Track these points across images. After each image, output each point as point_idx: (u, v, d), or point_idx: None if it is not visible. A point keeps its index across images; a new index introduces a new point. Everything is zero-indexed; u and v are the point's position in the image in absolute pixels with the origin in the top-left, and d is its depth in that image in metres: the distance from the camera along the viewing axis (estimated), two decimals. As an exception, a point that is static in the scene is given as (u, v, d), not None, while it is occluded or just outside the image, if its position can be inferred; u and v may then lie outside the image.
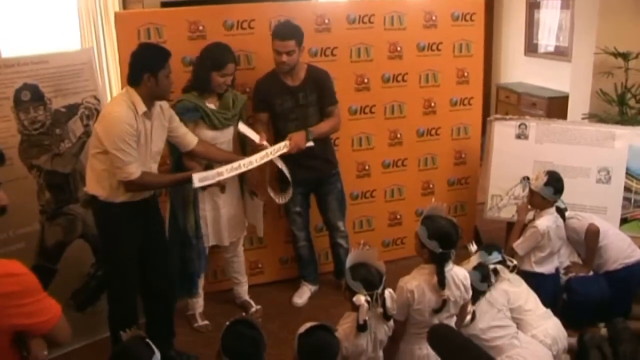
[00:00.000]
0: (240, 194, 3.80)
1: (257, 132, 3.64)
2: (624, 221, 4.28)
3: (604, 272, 3.71)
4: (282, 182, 3.82)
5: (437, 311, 2.78)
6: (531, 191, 3.70)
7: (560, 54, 6.63)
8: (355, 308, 2.57)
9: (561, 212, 3.71)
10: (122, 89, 3.19)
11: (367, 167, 4.47)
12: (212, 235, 3.71)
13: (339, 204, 4.08)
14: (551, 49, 6.88)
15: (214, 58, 3.46)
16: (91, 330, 3.61)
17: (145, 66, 2.98)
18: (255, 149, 3.55)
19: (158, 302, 3.40)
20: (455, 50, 4.52)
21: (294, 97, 3.74)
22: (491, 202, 4.54)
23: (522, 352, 2.92)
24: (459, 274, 2.86)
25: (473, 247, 3.27)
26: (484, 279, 3.00)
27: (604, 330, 3.42)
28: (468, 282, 2.88)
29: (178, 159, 3.50)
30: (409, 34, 4.36)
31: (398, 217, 4.66)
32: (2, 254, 3.27)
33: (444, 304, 2.76)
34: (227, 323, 2.40)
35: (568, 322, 3.39)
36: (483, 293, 3.00)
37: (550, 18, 6.85)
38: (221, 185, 3.45)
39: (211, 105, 3.53)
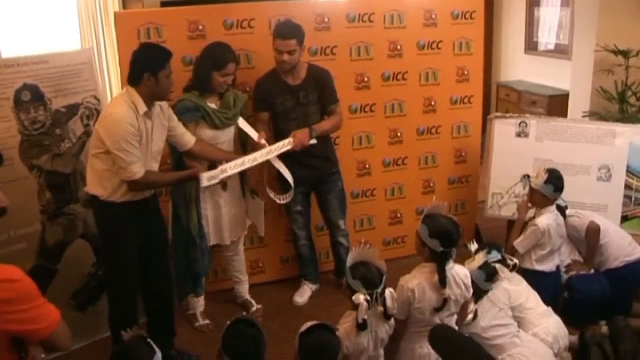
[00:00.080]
0: (242, 193, 3.80)
1: (257, 131, 3.64)
2: (624, 219, 4.28)
3: (604, 270, 3.71)
4: (282, 183, 3.82)
5: (437, 310, 2.78)
6: (531, 189, 3.70)
7: (561, 51, 6.62)
8: (355, 307, 2.57)
9: (561, 210, 3.71)
10: (122, 88, 3.19)
11: (367, 166, 4.47)
12: (213, 234, 3.71)
13: (339, 202, 4.08)
14: (551, 46, 6.87)
15: (215, 58, 3.46)
16: (92, 330, 3.61)
17: (145, 66, 2.98)
18: (254, 146, 3.56)
19: (158, 302, 3.40)
20: (455, 49, 4.52)
21: (295, 96, 3.74)
22: (492, 200, 4.54)
23: (523, 350, 2.92)
24: (460, 272, 2.86)
25: (473, 246, 3.27)
26: (488, 278, 3.00)
27: (604, 328, 3.42)
28: (468, 281, 2.88)
29: (179, 158, 3.51)
30: (408, 33, 4.35)
31: (398, 215, 4.66)
32: (3, 254, 3.28)
33: (444, 302, 2.76)
34: (228, 322, 2.40)
35: (569, 320, 3.39)
36: (485, 292, 3.00)
37: (550, 16, 6.84)
38: (223, 183, 3.46)
39: (212, 104, 3.53)
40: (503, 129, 4.50)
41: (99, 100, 3.61)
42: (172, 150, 3.50)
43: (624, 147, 4.28)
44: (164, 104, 3.20)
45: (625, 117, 5.03)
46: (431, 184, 4.69)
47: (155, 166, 3.19)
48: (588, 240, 3.73)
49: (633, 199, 4.30)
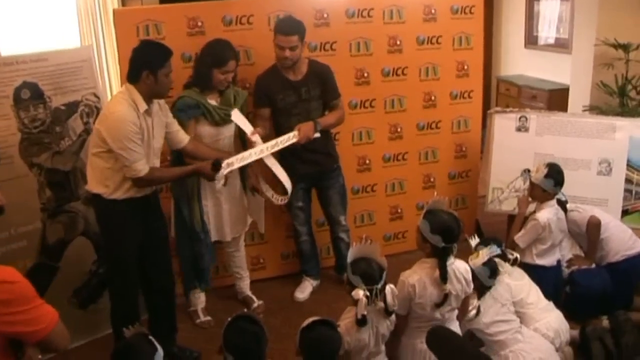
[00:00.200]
0: (243, 190, 3.80)
1: (256, 127, 3.63)
2: (625, 213, 4.28)
3: (605, 264, 3.71)
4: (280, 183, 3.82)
5: (438, 305, 2.78)
6: (532, 184, 3.69)
7: (561, 46, 6.62)
8: (356, 303, 2.57)
9: (562, 204, 3.71)
10: (121, 86, 3.18)
11: (367, 162, 4.47)
12: (214, 230, 3.71)
13: (340, 198, 4.08)
14: (551, 41, 6.87)
15: (215, 55, 3.45)
16: (93, 327, 3.62)
17: (144, 64, 2.98)
18: (249, 141, 3.55)
19: (159, 298, 3.40)
20: (455, 44, 4.51)
21: (296, 92, 3.74)
22: (492, 195, 4.54)
23: (525, 346, 2.92)
24: (460, 267, 2.86)
25: (473, 241, 3.26)
26: (492, 274, 2.99)
27: (605, 322, 3.42)
28: (469, 276, 2.88)
29: (178, 154, 3.51)
30: (408, 28, 4.35)
31: (399, 211, 4.66)
32: (4, 252, 3.29)
33: (445, 298, 2.76)
34: (229, 319, 2.41)
35: (571, 315, 3.40)
36: (488, 288, 2.99)
37: (550, 10, 6.84)
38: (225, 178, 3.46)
39: (212, 101, 3.52)
40: (503, 123, 4.50)
41: (99, 98, 3.61)
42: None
43: (624, 141, 4.28)
44: (162, 100, 3.20)
45: (625, 111, 5.03)
46: (431, 179, 4.69)
47: (156, 162, 3.20)
48: (589, 234, 3.73)
49: (634, 192, 4.30)
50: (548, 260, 3.62)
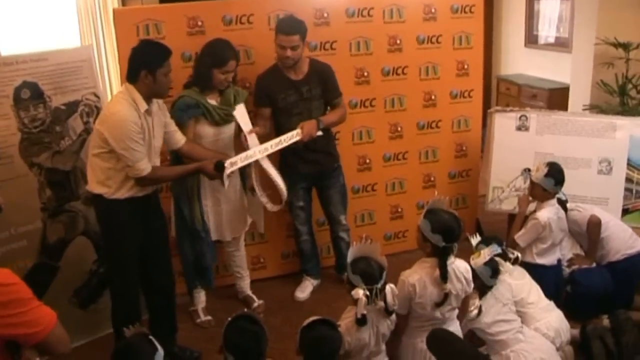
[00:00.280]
0: (242, 190, 3.79)
1: (256, 126, 3.63)
2: (625, 212, 4.28)
3: (606, 264, 3.71)
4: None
5: (439, 304, 2.78)
6: (532, 183, 3.69)
7: (561, 45, 6.61)
8: (355, 302, 2.58)
9: (562, 203, 3.71)
10: (121, 85, 3.18)
11: (367, 161, 4.47)
12: (214, 230, 3.71)
13: (341, 197, 4.08)
14: (551, 40, 6.87)
15: (215, 55, 3.45)
16: (93, 327, 3.62)
17: (143, 63, 2.98)
18: (243, 138, 3.54)
19: (160, 298, 3.40)
20: (455, 43, 4.51)
21: (298, 91, 3.74)
22: (492, 194, 4.54)
23: (526, 346, 2.91)
24: (460, 267, 2.86)
25: (474, 240, 3.26)
26: (493, 274, 2.99)
27: (606, 322, 3.41)
28: (469, 275, 2.88)
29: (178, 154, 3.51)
30: (408, 27, 4.35)
31: (399, 210, 4.66)
32: (4, 252, 3.29)
33: (445, 297, 2.76)
34: (229, 319, 2.41)
35: (571, 314, 3.39)
36: (490, 288, 2.98)
37: (550, 9, 6.83)
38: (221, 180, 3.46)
39: (212, 101, 3.52)
40: (503, 122, 4.50)
41: (99, 98, 3.61)
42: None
43: (625, 140, 4.28)
44: (160, 100, 3.20)
45: (625, 110, 5.03)
46: (432, 179, 4.69)
47: (157, 161, 3.20)
48: (589, 233, 3.73)
49: (634, 192, 4.30)
50: (548, 260, 3.62)
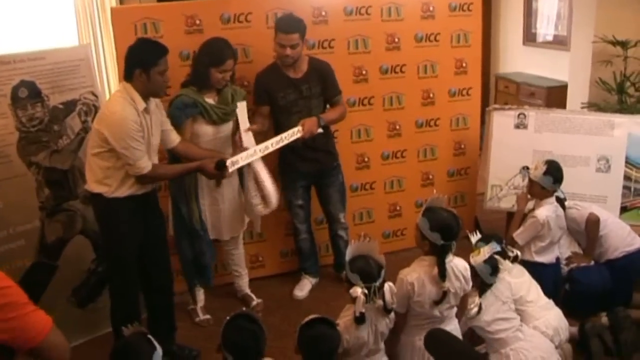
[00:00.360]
0: (240, 189, 3.79)
1: (254, 124, 3.63)
2: (623, 210, 4.28)
3: (604, 261, 3.71)
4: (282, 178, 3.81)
5: (437, 303, 2.78)
6: (530, 181, 3.69)
7: (559, 43, 6.61)
8: (354, 300, 2.58)
9: (561, 201, 3.71)
10: (119, 84, 3.18)
11: (366, 159, 4.47)
12: (212, 229, 3.71)
13: (340, 196, 4.08)
14: (550, 38, 6.87)
15: (213, 54, 3.44)
16: (92, 326, 3.61)
17: (137, 62, 2.98)
18: (238, 136, 3.54)
19: (159, 296, 3.40)
20: (453, 41, 4.51)
21: (297, 90, 3.73)
22: (491, 192, 4.54)
23: (525, 344, 2.91)
24: (459, 265, 2.86)
25: (474, 237, 3.25)
26: (493, 272, 2.99)
27: (604, 319, 3.42)
28: (468, 274, 2.88)
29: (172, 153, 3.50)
30: (406, 25, 4.34)
31: (398, 208, 4.66)
32: (3, 251, 3.29)
33: (444, 295, 2.77)
34: (228, 317, 2.41)
35: (570, 312, 3.39)
36: (489, 286, 2.98)
37: (548, 7, 6.83)
38: (216, 180, 3.46)
39: (210, 100, 3.52)
40: (502, 120, 4.50)
41: (97, 96, 3.60)
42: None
43: (623, 138, 4.28)
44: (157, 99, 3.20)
45: (624, 107, 5.03)
46: (430, 177, 4.69)
47: (155, 159, 3.20)
48: (588, 231, 3.73)
49: (632, 189, 4.30)
50: (547, 258, 3.62)
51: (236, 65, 3.57)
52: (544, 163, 3.62)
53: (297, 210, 4.03)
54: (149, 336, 2.27)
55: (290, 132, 3.59)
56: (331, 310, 2.93)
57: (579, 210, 3.75)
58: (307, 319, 2.53)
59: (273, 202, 3.60)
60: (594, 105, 5.14)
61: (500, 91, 7.19)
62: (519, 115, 4.46)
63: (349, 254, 2.70)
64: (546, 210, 3.57)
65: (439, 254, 2.78)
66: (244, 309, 2.63)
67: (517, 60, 7.36)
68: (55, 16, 6.36)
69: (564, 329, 3.21)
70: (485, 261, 2.97)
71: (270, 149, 3.53)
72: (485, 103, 5.47)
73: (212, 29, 3.78)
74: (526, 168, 4.27)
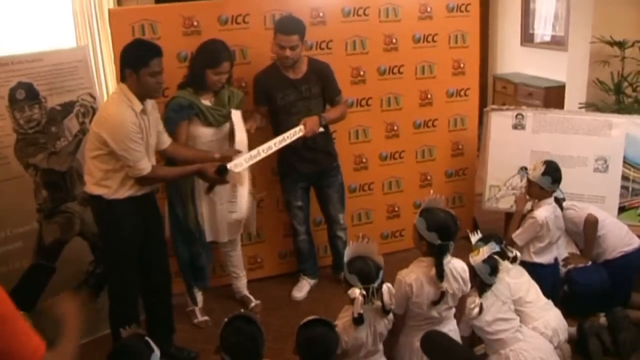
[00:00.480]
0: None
1: (254, 122, 3.64)
2: (621, 210, 4.27)
3: (603, 262, 3.71)
4: (284, 177, 3.81)
5: (435, 303, 2.78)
6: (529, 181, 3.69)
7: (557, 43, 6.62)
8: (352, 301, 2.58)
9: (559, 202, 3.71)
10: (117, 85, 3.18)
11: (364, 160, 4.47)
12: (209, 231, 3.71)
13: (339, 196, 4.09)
14: (547, 38, 6.88)
15: (209, 55, 3.44)
16: (91, 327, 3.59)
17: (127, 62, 2.98)
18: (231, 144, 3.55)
19: (157, 298, 3.40)
20: (450, 42, 4.51)
21: (297, 90, 3.74)
22: (489, 192, 4.53)
23: (525, 345, 2.90)
24: (457, 266, 2.86)
25: (474, 237, 3.25)
26: (492, 272, 2.99)
27: (603, 319, 3.42)
28: (466, 275, 2.88)
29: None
30: (404, 26, 4.35)
31: (396, 209, 4.66)
32: (0, 253, 3.28)
33: (442, 296, 2.77)
34: (226, 319, 2.41)
35: (569, 313, 3.39)
36: (489, 286, 2.98)
37: (546, 7, 6.84)
38: (208, 186, 3.45)
39: (206, 101, 3.51)
40: (500, 121, 4.49)
41: (95, 98, 3.60)
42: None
43: (621, 138, 4.27)
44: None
45: (621, 108, 5.03)
46: (428, 178, 4.69)
47: (153, 160, 3.20)
48: (586, 232, 3.72)
49: (630, 189, 4.29)
50: (546, 258, 3.62)
51: (233, 67, 3.56)
52: (542, 163, 3.63)
53: (296, 212, 4.03)
54: (147, 338, 2.27)
55: (292, 131, 3.59)
56: (330, 312, 2.93)
57: (576, 211, 3.75)
58: (305, 320, 2.53)
59: (243, 210, 3.53)
60: (591, 106, 5.14)
61: (498, 92, 7.20)
62: (516, 115, 4.46)
63: (347, 255, 2.70)
64: (545, 211, 3.57)
65: (437, 254, 2.78)
66: (242, 310, 2.63)
67: (515, 60, 7.37)
68: (53, 18, 6.36)
69: (563, 330, 3.20)
70: (484, 261, 2.97)
71: (274, 149, 3.53)
72: (483, 104, 5.47)
73: (210, 31, 3.78)
74: (524, 168, 4.27)
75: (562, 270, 3.76)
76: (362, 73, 4.30)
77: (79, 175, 3.44)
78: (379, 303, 2.64)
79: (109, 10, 4.17)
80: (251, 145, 3.51)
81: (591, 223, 3.70)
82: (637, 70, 5.15)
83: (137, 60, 2.96)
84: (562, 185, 3.69)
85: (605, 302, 3.54)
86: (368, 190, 4.54)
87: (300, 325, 2.52)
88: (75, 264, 3.58)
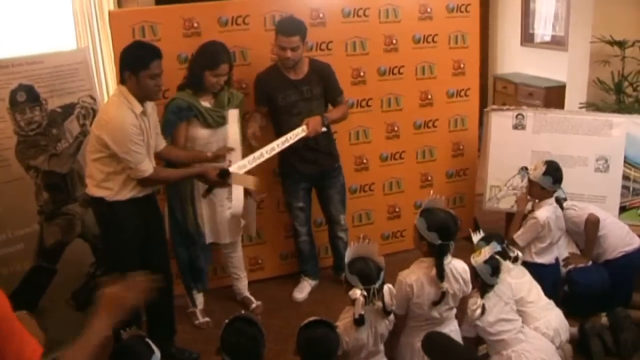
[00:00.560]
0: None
1: (255, 122, 3.65)
2: (622, 209, 4.27)
3: (603, 262, 3.71)
4: (286, 177, 3.82)
5: (435, 303, 2.78)
6: (530, 181, 3.69)
7: (557, 43, 6.62)
8: (353, 302, 2.58)
9: (559, 202, 3.71)
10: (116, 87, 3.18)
11: (365, 161, 4.47)
12: (209, 233, 3.71)
13: (341, 197, 4.09)
14: (547, 38, 6.87)
15: (208, 57, 3.44)
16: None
17: (127, 64, 2.99)
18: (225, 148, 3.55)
19: (158, 299, 3.39)
20: (450, 42, 4.51)
21: (298, 91, 3.74)
22: (490, 193, 4.53)
23: (527, 346, 2.89)
24: (458, 267, 2.86)
25: (476, 237, 3.25)
26: (494, 272, 2.99)
27: (604, 320, 3.42)
28: (467, 276, 2.88)
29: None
30: (404, 27, 4.35)
31: (397, 210, 4.65)
32: (1, 255, 3.28)
33: (442, 296, 2.77)
34: (227, 320, 2.41)
35: (570, 313, 3.38)
36: (491, 286, 2.98)
37: (546, 7, 6.84)
38: (206, 188, 3.45)
39: (206, 103, 3.51)
40: (500, 121, 4.49)
41: (95, 100, 3.61)
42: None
43: (621, 138, 4.27)
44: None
45: (622, 107, 5.03)
46: (429, 178, 4.69)
47: (153, 162, 3.20)
48: (587, 232, 3.72)
49: (631, 189, 4.29)
50: (547, 259, 3.61)
51: (232, 70, 3.56)
52: (543, 163, 3.62)
53: (297, 213, 4.03)
54: (147, 340, 2.27)
55: (295, 132, 3.59)
56: (331, 313, 2.93)
57: (576, 211, 3.75)
58: (306, 321, 2.53)
59: (238, 205, 3.53)
60: (592, 106, 5.14)
61: (498, 92, 7.20)
62: (517, 115, 4.46)
63: (348, 256, 2.70)
64: (546, 211, 3.57)
65: (437, 254, 2.79)
66: (243, 311, 2.64)
67: (515, 60, 7.37)
68: (53, 20, 6.36)
69: (564, 330, 3.20)
70: (486, 262, 2.96)
71: (277, 150, 3.54)
72: (483, 104, 5.47)
73: (210, 32, 3.78)
74: (525, 169, 4.27)
75: (563, 270, 3.76)
76: (362, 74, 4.30)
77: (79, 177, 3.45)
78: (380, 304, 2.64)
79: (109, 12, 4.19)
80: (253, 148, 3.52)
81: (593, 223, 3.70)
82: (637, 70, 5.16)
83: (136, 62, 2.96)
84: (562, 185, 3.69)
85: (606, 302, 3.54)
86: (369, 191, 4.54)
87: (301, 326, 2.52)
88: (76, 266, 3.59)
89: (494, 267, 2.96)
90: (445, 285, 2.76)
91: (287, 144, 3.56)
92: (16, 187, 3.30)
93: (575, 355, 3.28)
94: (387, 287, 2.63)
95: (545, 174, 3.58)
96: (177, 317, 3.57)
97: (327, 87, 3.81)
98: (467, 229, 3.59)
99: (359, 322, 2.58)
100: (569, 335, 3.24)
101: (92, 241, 3.59)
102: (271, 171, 4.04)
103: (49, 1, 6.31)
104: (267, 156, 3.48)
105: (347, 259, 2.69)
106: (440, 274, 2.75)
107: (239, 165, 3.34)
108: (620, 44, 5.08)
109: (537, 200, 3.68)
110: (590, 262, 3.75)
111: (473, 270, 2.95)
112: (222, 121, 3.54)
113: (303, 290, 4.18)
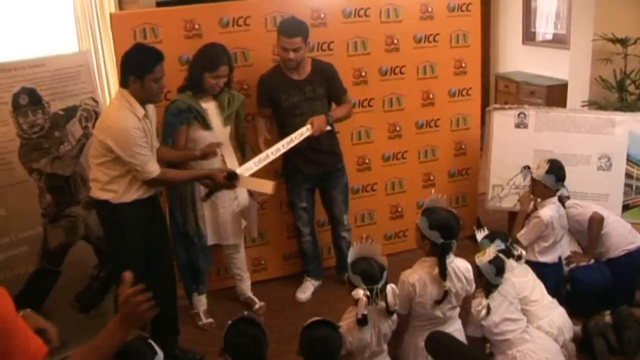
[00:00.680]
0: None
1: (259, 127, 3.66)
2: (625, 208, 4.27)
3: (606, 260, 3.70)
4: (288, 177, 3.84)
5: (438, 302, 2.78)
6: (533, 180, 3.68)
7: (559, 41, 6.61)
8: (356, 302, 2.58)
9: (561, 200, 3.70)
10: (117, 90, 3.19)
11: (367, 161, 4.47)
12: (211, 234, 3.71)
13: (344, 197, 4.09)
14: (549, 37, 6.86)
15: (207, 59, 3.45)
16: (95, 331, 3.56)
17: (131, 69, 2.98)
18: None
19: (162, 300, 3.39)
20: (452, 41, 4.51)
21: (301, 91, 3.74)
22: (492, 192, 4.54)
23: (532, 346, 2.89)
24: (461, 266, 2.86)
25: (480, 235, 3.25)
26: (498, 272, 2.98)
27: (608, 318, 3.41)
28: (470, 275, 2.88)
29: None
30: (405, 26, 4.35)
31: (399, 210, 4.66)
32: (6, 258, 3.29)
33: (445, 295, 2.77)
34: (230, 322, 2.41)
35: (573, 312, 3.38)
36: (496, 286, 2.97)
37: (547, 6, 6.83)
38: (207, 193, 3.46)
39: (205, 105, 3.51)
40: (502, 120, 4.50)
41: (98, 102, 3.61)
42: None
43: (624, 136, 4.27)
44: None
45: (624, 105, 5.02)
46: (431, 178, 4.69)
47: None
48: (590, 230, 3.71)
49: (634, 187, 4.29)
50: (550, 257, 3.61)
51: (233, 71, 3.56)
52: (546, 162, 3.62)
53: (300, 213, 4.03)
54: (150, 341, 2.27)
55: (299, 132, 3.61)
56: (334, 313, 2.94)
57: (579, 210, 3.74)
58: (309, 322, 2.54)
59: (249, 225, 3.61)
60: (594, 104, 5.14)
61: (500, 91, 7.19)
62: (519, 114, 4.46)
63: (351, 256, 2.70)
64: (550, 210, 3.56)
65: (440, 253, 2.79)
66: (246, 312, 2.63)
67: (517, 59, 7.36)
68: (55, 23, 6.37)
69: (568, 329, 3.20)
70: (491, 262, 2.96)
71: (282, 151, 3.55)
72: (485, 103, 5.46)
73: (211, 33, 3.79)
74: (527, 167, 4.27)
75: (565, 268, 3.75)
76: (363, 74, 4.30)
77: (82, 180, 3.45)
78: (383, 304, 2.65)
79: (111, 15, 4.19)
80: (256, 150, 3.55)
81: (597, 221, 3.69)
82: (639, 68, 5.14)
83: (141, 67, 2.97)
84: (565, 184, 3.68)
85: (609, 301, 3.54)
86: (371, 191, 4.55)
87: (304, 326, 2.52)
88: (80, 268, 3.59)
89: (498, 267, 2.96)
90: (447, 284, 2.76)
91: (292, 144, 3.57)
92: (19, 189, 3.31)
93: (578, 354, 3.28)
94: (390, 287, 2.63)
95: (548, 172, 3.57)
96: (180, 318, 3.57)
97: (330, 86, 3.82)
98: (471, 228, 3.59)
99: (362, 322, 2.58)
100: (572, 333, 3.24)
101: (95, 243, 3.59)
102: (274, 172, 4.05)
103: (50, 4, 6.32)
104: (272, 157, 3.50)
105: (350, 259, 2.69)
106: (443, 273, 2.75)
107: (245, 168, 3.35)
108: (623, 42, 5.08)
109: (540, 199, 3.67)
110: (592, 261, 3.74)
111: (477, 270, 2.94)
112: (222, 122, 3.55)
113: (306, 290, 4.18)
